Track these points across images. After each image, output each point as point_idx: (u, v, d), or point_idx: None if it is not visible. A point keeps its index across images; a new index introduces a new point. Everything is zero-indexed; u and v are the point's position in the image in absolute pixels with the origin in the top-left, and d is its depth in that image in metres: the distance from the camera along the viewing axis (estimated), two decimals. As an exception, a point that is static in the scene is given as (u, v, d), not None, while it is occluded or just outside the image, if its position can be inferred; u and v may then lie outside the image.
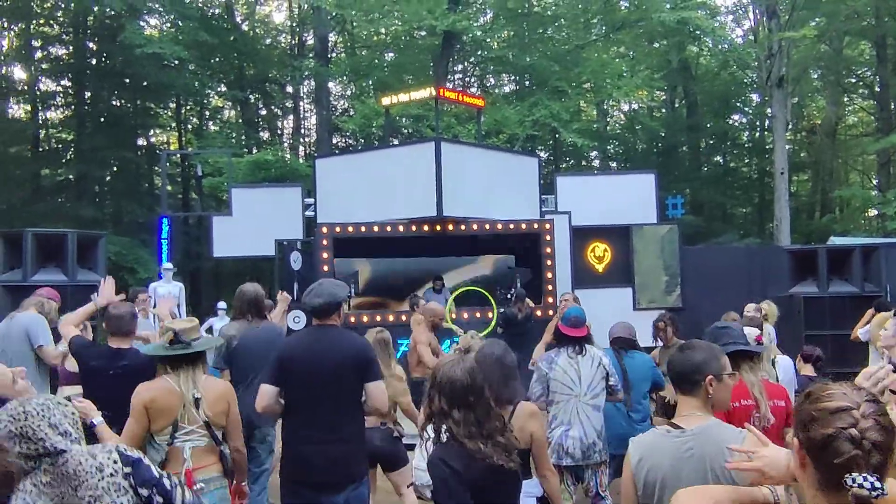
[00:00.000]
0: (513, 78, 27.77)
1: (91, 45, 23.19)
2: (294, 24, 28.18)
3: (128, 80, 22.78)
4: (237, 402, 3.57)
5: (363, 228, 10.30)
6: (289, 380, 3.56)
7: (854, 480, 1.35)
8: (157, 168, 24.80)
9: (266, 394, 3.58)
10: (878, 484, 1.34)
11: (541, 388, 4.61)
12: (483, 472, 2.54)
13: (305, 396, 3.53)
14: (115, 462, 2.24)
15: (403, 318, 10.02)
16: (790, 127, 25.76)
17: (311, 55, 24.32)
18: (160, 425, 3.28)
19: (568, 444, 4.53)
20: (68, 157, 23.29)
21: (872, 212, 25.87)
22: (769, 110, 21.83)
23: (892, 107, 24.82)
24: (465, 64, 27.45)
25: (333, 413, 3.53)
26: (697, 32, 19.95)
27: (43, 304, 5.37)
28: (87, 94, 22.99)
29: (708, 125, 27.70)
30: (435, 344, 7.29)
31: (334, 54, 26.64)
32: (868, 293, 10.03)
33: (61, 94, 23.79)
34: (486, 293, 10.28)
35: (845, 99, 28.41)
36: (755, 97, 27.71)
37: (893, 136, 20.76)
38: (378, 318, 10.11)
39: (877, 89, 25.18)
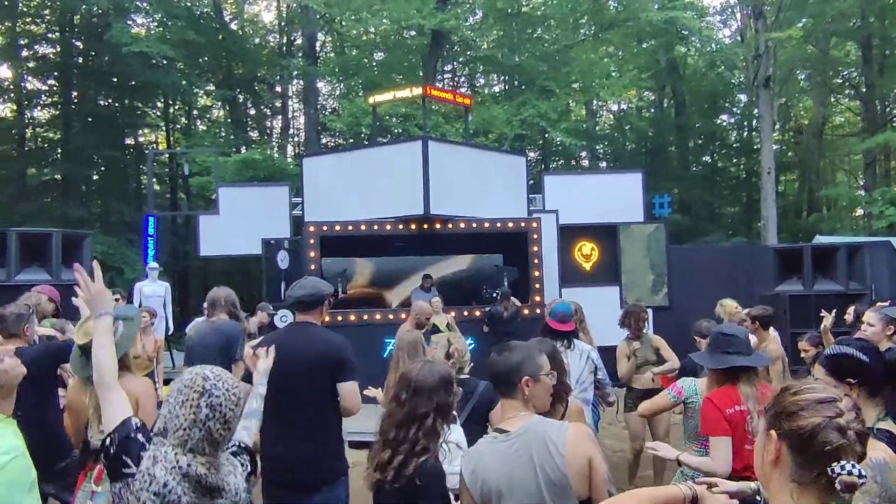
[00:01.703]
0: (502, 78, 27.81)
1: (78, 43, 23.04)
2: (283, 24, 28.12)
3: (115, 79, 22.66)
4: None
5: (350, 227, 10.28)
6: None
7: (843, 468, 1.38)
8: (144, 168, 24.68)
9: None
10: (864, 472, 1.38)
11: None
12: None
13: (279, 395, 3.45)
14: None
15: (391, 316, 10.03)
16: (777, 127, 25.93)
17: (299, 54, 24.27)
18: (80, 423, 3.31)
19: None
20: (55, 157, 23.13)
21: (859, 211, 26.07)
22: (756, 110, 21.97)
23: (878, 107, 25.03)
24: (455, 64, 27.45)
25: (306, 413, 3.49)
26: (685, 32, 20.03)
27: (31, 298, 5.22)
28: (74, 94, 22.84)
29: (696, 125, 27.85)
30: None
31: (323, 53, 26.60)
32: (853, 291, 10.09)
33: (47, 93, 23.62)
34: None
35: (832, 99, 28.62)
36: (743, 97, 27.88)
37: (879, 136, 20.94)
38: (365, 318, 10.12)
39: (863, 90, 25.37)
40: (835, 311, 5.36)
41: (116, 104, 24.19)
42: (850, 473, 1.37)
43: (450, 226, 10.51)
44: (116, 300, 5.95)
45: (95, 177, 23.69)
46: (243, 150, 22.12)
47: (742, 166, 29.57)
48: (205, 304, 5.30)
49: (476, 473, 2.36)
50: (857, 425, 1.44)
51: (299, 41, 26.30)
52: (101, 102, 23.73)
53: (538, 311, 10.36)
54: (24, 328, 4.16)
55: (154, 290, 10.76)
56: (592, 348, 4.85)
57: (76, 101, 22.81)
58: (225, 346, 4.82)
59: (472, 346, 10.20)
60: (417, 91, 12.51)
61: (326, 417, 3.57)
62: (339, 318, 9.85)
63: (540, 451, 2.30)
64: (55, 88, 23.24)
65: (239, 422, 2.18)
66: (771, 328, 6.14)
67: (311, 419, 3.50)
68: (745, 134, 29.63)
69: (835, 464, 1.39)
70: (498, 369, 2.50)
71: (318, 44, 25.68)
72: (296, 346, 3.54)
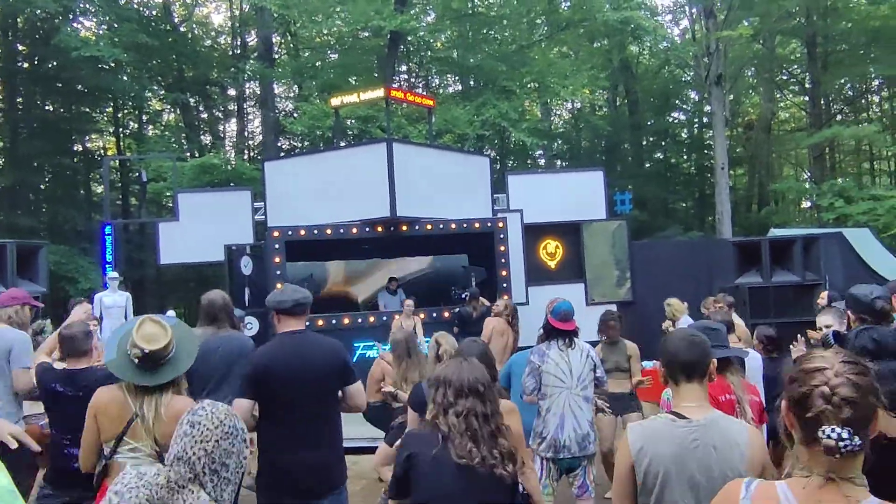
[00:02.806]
0: (457, 78, 27.88)
1: (22, 47, 22.33)
2: (236, 25, 27.70)
3: (60, 84, 22.00)
4: None
5: (316, 231, 10.19)
6: (267, 391, 3.46)
7: (824, 433, 1.47)
8: (94, 174, 24.07)
9: (242, 409, 3.43)
10: (845, 436, 1.46)
11: (534, 382, 4.64)
12: (467, 477, 2.50)
13: (286, 406, 3.45)
14: None
15: (360, 320, 9.97)
16: (728, 123, 26.56)
17: (252, 56, 23.94)
18: (107, 435, 3.11)
19: (564, 437, 4.56)
20: (1, 165, 22.37)
21: (806, 203, 26.88)
22: (708, 107, 22.47)
23: (823, 102, 25.83)
24: (410, 64, 27.42)
25: (314, 421, 3.48)
26: (638, 32, 20.37)
27: (17, 312, 4.92)
28: (19, 99, 22.12)
29: (649, 123, 28.35)
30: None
31: (277, 56, 26.28)
32: (809, 282, 10.38)
33: (-9, 99, 22.82)
34: None
35: (778, 95, 29.44)
36: (693, 95, 28.48)
37: (826, 131, 21.62)
38: (334, 322, 10.04)
39: (808, 86, 26.16)
40: (802, 338, 5.44)
41: (62, 109, 23.49)
42: (828, 437, 1.46)
43: (416, 227, 10.49)
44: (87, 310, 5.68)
45: (43, 185, 22.98)
46: (197, 155, 21.73)
47: (693, 162, 30.22)
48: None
49: (644, 451, 2.31)
50: (846, 391, 1.50)
51: (252, 43, 25.95)
52: (49, 108, 23.05)
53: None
54: (92, 345, 4.05)
55: (115, 300, 10.47)
56: (591, 347, 4.89)
57: (21, 107, 22.09)
58: (237, 360, 4.42)
59: (442, 346, 10.24)
60: (381, 93, 12.46)
61: (332, 423, 3.58)
62: (307, 322, 9.73)
63: (723, 448, 2.27)
64: (-1, 94, 22.49)
65: (233, 452, 2.00)
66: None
67: (318, 426, 3.49)
68: (696, 130, 30.29)
69: (820, 429, 1.48)
70: (688, 356, 2.45)
71: (272, 46, 25.37)
72: (301, 356, 3.50)
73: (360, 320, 10.00)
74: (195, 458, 1.93)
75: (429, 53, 24.00)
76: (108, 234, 12.15)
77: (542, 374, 4.63)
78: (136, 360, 3.09)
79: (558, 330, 4.68)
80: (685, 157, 30.87)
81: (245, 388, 3.49)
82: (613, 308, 7.99)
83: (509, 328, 8.37)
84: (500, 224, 10.83)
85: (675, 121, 30.71)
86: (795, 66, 27.82)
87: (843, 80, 26.52)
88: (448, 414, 2.58)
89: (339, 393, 3.62)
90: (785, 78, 28.47)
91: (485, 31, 22.85)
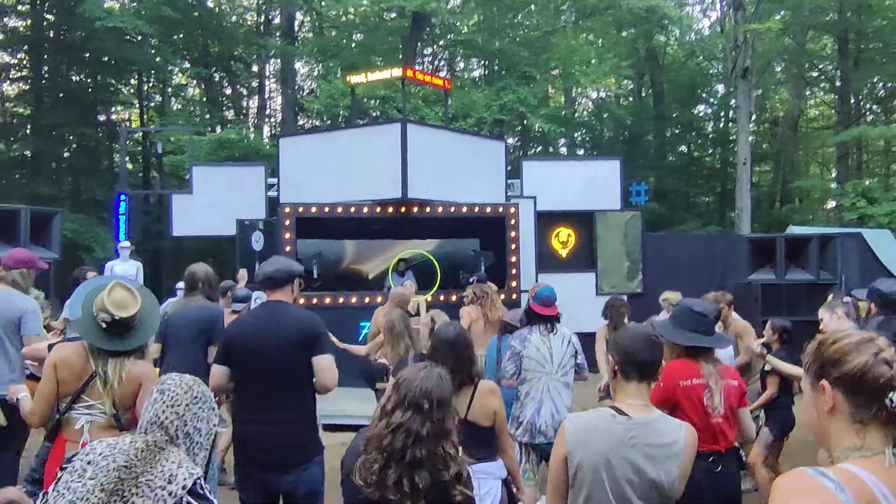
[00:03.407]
0: (482, 62, 27.70)
1: (49, 17, 22.48)
2: (261, 2, 27.69)
3: (87, 55, 22.14)
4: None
5: (327, 209, 10.19)
6: (236, 359, 3.48)
7: (892, 401, 1.45)
8: (117, 146, 24.25)
9: (216, 374, 3.50)
10: None
11: (514, 367, 4.64)
12: None
13: (252, 375, 3.44)
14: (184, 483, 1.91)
15: (367, 299, 9.98)
16: (753, 118, 26.15)
17: (277, 34, 23.92)
18: (65, 389, 3.13)
19: (540, 422, 4.55)
20: (25, 133, 22.61)
21: (830, 203, 26.45)
22: (733, 101, 22.12)
23: (853, 101, 25.34)
24: (435, 47, 27.27)
25: (280, 392, 3.44)
26: (665, 21, 20.07)
27: (22, 274, 4.92)
28: (45, 68, 22.31)
29: (674, 115, 27.98)
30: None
31: (301, 34, 26.25)
32: (823, 281, 10.25)
33: (17, 67, 23.04)
34: (429, 256, 10.22)
35: (807, 92, 28.92)
36: (720, 88, 28.06)
37: (854, 130, 21.21)
38: (340, 301, 10.06)
39: (838, 83, 25.66)
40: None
41: (88, 80, 23.66)
42: None
43: (427, 210, 10.46)
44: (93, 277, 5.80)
45: (66, 154, 23.20)
46: (218, 129, 21.81)
47: (718, 156, 29.82)
48: (180, 283, 5.23)
49: (578, 443, 2.30)
50: None
51: (277, 20, 25.92)
52: (74, 78, 23.22)
53: (514, 296, 10.39)
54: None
55: (125, 269, 10.57)
56: (573, 333, 4.86)
57: (47, 76, 22.27)
58: (205, 328, 4.72)
59: (449, 330, 10.22)
60: (397, 73, 12.40)
61: (301, 396, 3.52)
62: (315, 300, 9.78)
63: (660, 449, 2.28)
64: (25, 62, 22.68)
65: (203, 417, 2.04)
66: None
67: (285, 398, 3.45)
68: (722, 125, 29.86)
69: (892, 394, 1.45)
70: (648, 357, 2.42)
71: (296, 24, 25.34)
72: (267, 325, 3.48)
73: (367, 299, 10.00)
74: (167, 421, 1.98)
75: (452, 37, 23.82)
76: (123, 205, 12.26)
77: (522, 359, 4.61)
78: (104, 325, 3.11)
79: (540, 315, 4.66)
80: (709, 151, 30.48)
81: (219, 355, 3.54)
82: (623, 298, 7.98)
83: (482, 314, 8.37)
84: (513, 210, 10.76)
85: (701, 114, 30.30)
86: (826, 63, 27.27)
87: (874, 79, 25.94)
88: (377, 424, 2.26)
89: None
90: (815, 74, 27.93)
91: (511, 16, 22.62)
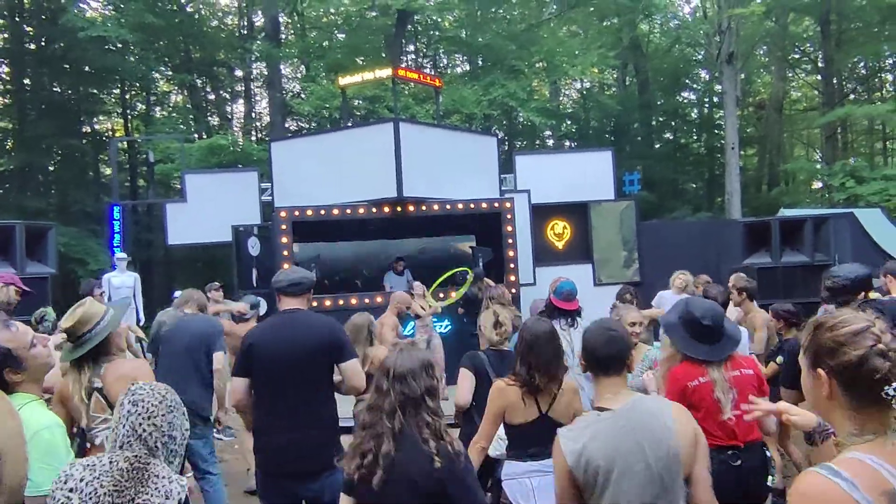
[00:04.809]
0: (465, 58, 27.67)
1: (29, 29, 22.27)
2: (242, 5, 27.53)
3: (68, 66, 21.95)
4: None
5: (322, 212, 10.16)
6: (258, 368, 3.46)
7: (892, 390, 1.44)
8: (103, 156, 24.08)
9: (237, 388, 3.48)
10: None
11: None
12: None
13: (276, 384, 3.43)
14: (178, 497, 1.96)
15: (367, 301, 9.97)
16: (739, 102, 26.29)
17: (260, 37, 23.80)
18: (79, 416, 3.12)
19: None
20: (9, 146, 22.40)
21: (817, 184, 26.62)
22: (719, 86, 22.20)
23: (836, 81, 25.49)
24: (417, 44, 27.22)
25: (305, 399, 3.44)
26: (650, 9, 20.09)
27: (2, 290, 5.01)
28: (27, 81, 22.11)
29: (658, 103, 28.06)
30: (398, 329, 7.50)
31: (284, 36, 26.13)
32: (818, 262, 10.30)
33: (-2, 81, 22.85)
34: (467, 271, 10.21)
35: (790, 74, 29.06)
36: (704, 74, 28.15)
37: (839, 110, 21.33)
38: (341, 302, 10.05)
39: (820, 64, 25.80)
40: None
41: (70, 91, 23.44)
42: None
43: (423, 208, 10.45)
44: (101, 293, 5.96)
45: (52, 167, 23.01)
46: (204, 136, 21.68)
47: (703, 142, 29.95)
48: (177, 293, 5.45)
49: (577, 454, 2.26)
50: None
51: (259, 23, 25.78)
52: (56, 89, 22.99)
53: (513, 290, 10.40)
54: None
55: (123, 280, 10.52)
56: None
57: (29, 88, 22.07)
58: (206, 339, 4.95)
59: (449, 327, 10.24)
60: (388, 73, 12.38)
61: (325, 402, 3.54)
62: (315, 302, 9.75)
63: (652, 425, 2.28)
64: (6, 76, 22.46)
65: (177, 425, 2.06)
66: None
67: (311, 405, 3.46)
68: (707, 110, 29.98)
69: (886, 387, 1.44)
70: (611, 350, 2.44)
71: (280, 26, 25.21)
72: (290, 333, 3.49)
73: (367, 300, 9.99)
74: (146, 434, 1.99)
75: (436, 33, 23.79)
76: (117, 217, 12.18)
77: None
78: (71, 345, 3.15)
79: (561, 309, 4.65)
80: (695, 137, 30.61)
81: (239, 366, 3.52)
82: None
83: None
84: (508, 204, 10.78)
85: (686, 101, 30.40)
86: (808, 45, 27.41)
87: (856, 59, 26.11)
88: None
89: (338, 375, 3.58)
90: (797, 56, 28.07)
91: (493, 10, 22.60)
